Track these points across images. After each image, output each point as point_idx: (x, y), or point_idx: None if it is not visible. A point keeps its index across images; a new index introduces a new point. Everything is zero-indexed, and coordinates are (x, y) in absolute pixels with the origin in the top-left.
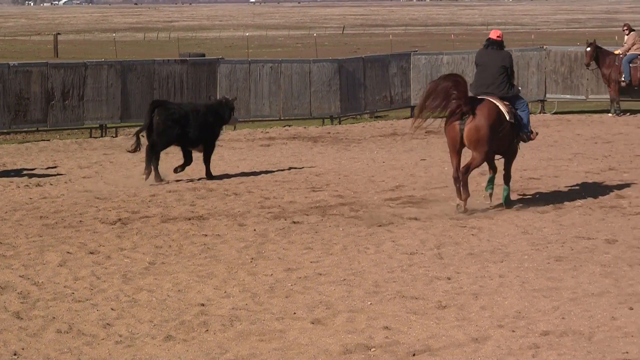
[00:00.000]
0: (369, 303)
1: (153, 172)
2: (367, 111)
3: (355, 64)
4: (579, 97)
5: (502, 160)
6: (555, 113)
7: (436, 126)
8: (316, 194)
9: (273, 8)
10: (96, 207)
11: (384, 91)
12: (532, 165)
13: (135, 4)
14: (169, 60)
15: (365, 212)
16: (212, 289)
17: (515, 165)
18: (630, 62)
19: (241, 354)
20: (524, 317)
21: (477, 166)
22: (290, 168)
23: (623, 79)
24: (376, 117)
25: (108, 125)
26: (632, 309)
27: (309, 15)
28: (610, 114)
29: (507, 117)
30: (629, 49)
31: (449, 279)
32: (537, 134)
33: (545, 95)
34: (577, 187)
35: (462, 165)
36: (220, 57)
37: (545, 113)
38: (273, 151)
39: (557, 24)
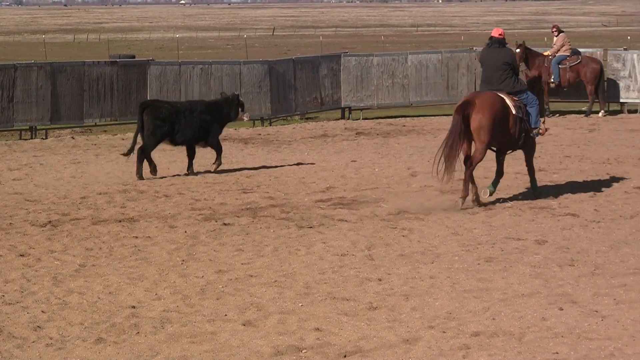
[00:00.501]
0: (300, 304)
1: (149, 167)
2: (298, 112)
3: (285, 66)
4: None
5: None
6: None
7: (367, 127)
8: (247, 196)
9: (203, 9)
10: (26, 209)
11: (314, 92)
12: (463, 166)
13: (65, 5)
14: (99, 61)
15: (296, 214)
16: (143, 291)
17: None
18: (559, 64)
19: (172, 356)
20: (455, 318)
21: (480, 159)
22: (220, 170)
23: (552, 80)
24: (307, 118)
25: (38, 127)
26: (562, 309)
27: (239, 16)
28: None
29: (514, 111)
30: (558, 50)
31: (380, 280)
32: (546, 130)
33: None
34: (507, 188)
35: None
36: (151, 58)
37: None
38: (203, 153)
39: (487, 25)
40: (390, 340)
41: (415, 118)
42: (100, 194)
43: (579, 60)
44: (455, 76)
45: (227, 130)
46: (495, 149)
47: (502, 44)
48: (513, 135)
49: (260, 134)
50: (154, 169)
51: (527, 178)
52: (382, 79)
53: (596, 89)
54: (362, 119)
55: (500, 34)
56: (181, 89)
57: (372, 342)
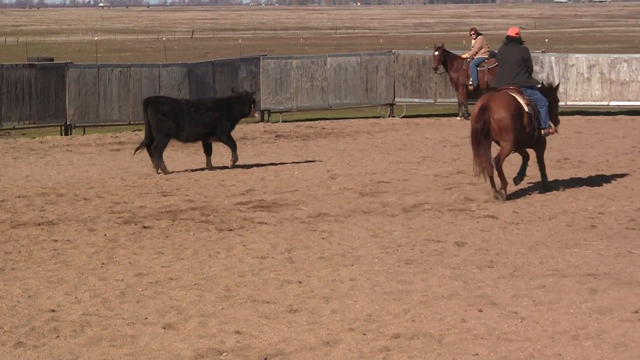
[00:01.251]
0: (221, 307)
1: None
2: None
3: (204, 68)
4: (427, 101)
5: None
6: (404, 117)
7: (286, 130)
8: (167, 199)
9: (121, 12)
10: None
11: None
12: (382, 168)
13: None
14: (17, 64)
15: (216, 217)
16: (62, 295)
17: (365, 168)
18: (477, 66)
19: (92, 359)
20: (375, 320)
21: (507, 154)
22: (140, 173)
23: (471, 83)
24: None
25: None
26: (482, 311)
27: (158, 19)
28: (458, 118)
29: (527, 109)
30: (476, 52)
31: (300, 282)
32: (556, 129)
33: (394, 99)
34: (426, 190)
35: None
36: (69, 61)
37: (394, 117)
38: (123, 156)
39: (405, 28)
40: (310, 343)
41: (334, 121)
42: (19, 197)
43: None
44: (374, 79)
45: None
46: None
47: (519, 42)
48: (529, 133)
49: None
50: (156, 167)
51: (448, 180)
52: (302, 81)
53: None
54: (282, 121)
55: (517, 33)
56: (100, 92)
57: (292, 344)
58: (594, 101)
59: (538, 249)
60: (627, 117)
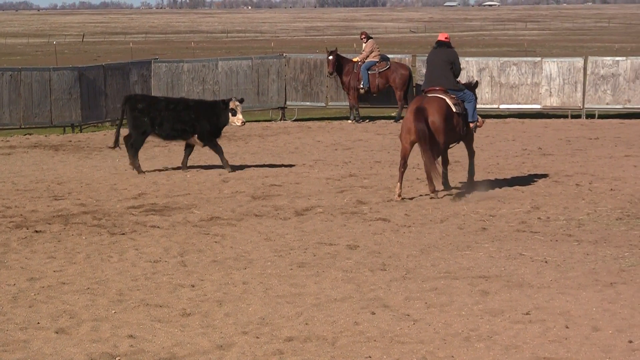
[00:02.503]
0: (113, 312)
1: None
2: (109, 119)
3: (95, 72)
4: (319, 104)
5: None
6: (296, 120)
7: None
8: (58, 203)
9: (11, 15)
10: None
11: None
12: (274, 172)
13: None
14: None
15: (108, 221)
16: None
17: (257, 172)
18: (368, 70)
19: None
20: (268, 324)
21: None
22: (32, 176)
23: (362, 86)
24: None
25: None
26: (374, 313)
27: (48, 23)
28: (349, 121)
29: (454, 109)
30: (367, 56)
31: (193, 286)
32: (483, 121)
33: (285, 103)
34: (318, 194)
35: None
36: None
37: (285, 120)
38: (14, 160)
39: (297, 31)
40: (204, 346)
41: None
42: None
43: (387, 66)
44: (266, 82)
45: (37, 137)
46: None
47: (448, 46)
48: (458, 132)
49: (70, 141)
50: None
51: (340, 183)
52: (193, 85)
53: (405, 95)
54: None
55: (446, 38)
56: None
57: (186, 348)
58: (484, 104)
59: (430, 251)
60: (517, 119)
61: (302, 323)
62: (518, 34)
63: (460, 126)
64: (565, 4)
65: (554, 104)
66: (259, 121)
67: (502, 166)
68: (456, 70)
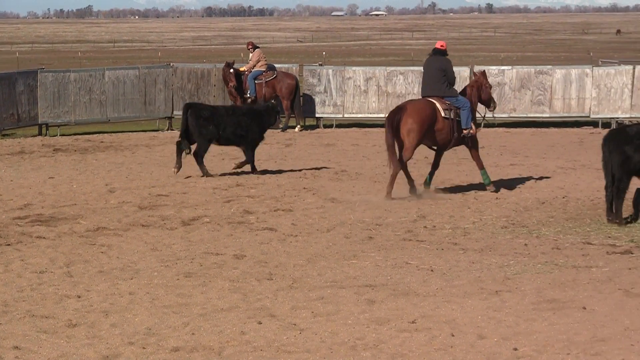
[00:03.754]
0: None
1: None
2: None
3: None
4: None
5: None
6: None
7: (64, 144)
8: None
9: None
10: None
11: (11, 109)
12: (161, 182)
13: None
14: None
15: None
16: None
17: (144, 182)
18: (255, 79)
19: None
20: (155, 334)
21: (409, 157)
22: None
23: (249, 95)
24: (3, 135)
25: None
26: (261, 323)
27: None
28: None
29: (443, 114)
30: (254, 65)
31: (79, 297)
32: (477, 130)
33: (172, 112)
34: (205, 203)
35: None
36: None
37: (173, 130)
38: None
39: (184, 41)
40: (90, 357)
41: (113, 134)
42: None
43: (274, 76)
44: (153, 92)
45: None
46: (434, 147)
47: (442, 54)
48: (445, 136)
49: None
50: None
51: (227, 193)
52: (80, 95)
53: (292, 104)
54: (60, 135)
55: (442, 46)
56: None
57: (71, 359)
58: (370, 113)
59: (316, 260)
60: None
61: (189, 333)
62: (405, 44)
63: (448, 131)
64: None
65: None
66: (146, 131)
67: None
68: (449, 77)
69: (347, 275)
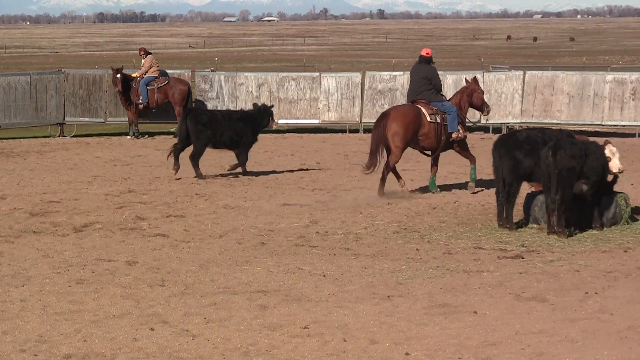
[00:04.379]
0: None
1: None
2: None
3: None
4: (98, 120)
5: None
6: (75, 136)
7: None
8: None
9: None
10: None
11: None
12: (53, 188)
13: None
14: None
15: None
16: None
17: (35, 188)
18: (147, 85)
19: None
20: (46, 341)
21: (396, 161)
22: None
23: (140, 101)
24: None
25: None
26: (153, 329)
27: None
28: (129, 137)
29: (429, 119)
30: (146, 71)
31: None
32: (465, 134)
33: (64, 119)
34: (97, 210)
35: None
36: None
37: (64, 136)
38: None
39: (75, 47)
40: None
41: (4, 140)
42: None
43: (166, 82)
44: (44, 98)
45: None
46: (426, 152)
47: (428, 62)
48: (432, 139)
49: None
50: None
51: (119, 199)
52: None
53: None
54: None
55: (427, 53)
56: None
57: None
58: None
59: (209, 266)
60: (296, 134)
61: (81, 340)
62: (297, 49)
63: (435, 135)
64: (343, 20)
65: (333, 119)
66: (37, 137)
67: (280, 181)
68: (435, 85)
69: (239, 281)
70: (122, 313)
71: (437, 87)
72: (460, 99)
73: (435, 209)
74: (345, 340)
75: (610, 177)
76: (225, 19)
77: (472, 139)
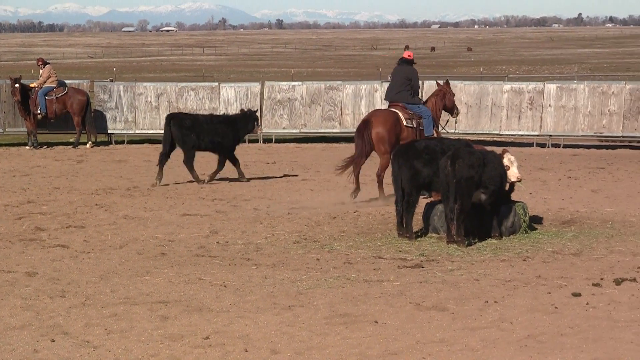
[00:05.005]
0: None
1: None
2: None
3: None
4: None
5: None
6: None
7: None
8: None
9: None
10: None
11: None
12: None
13: None
14: None
15: None
16: None
17: None
18: (45, 95)
19: None
20: None
21: (386, 166)
22: None
23: (39, 112)
24: None
25: None
26: (54, 341)
27: None
28: (27, 147)
29: (405, 123)
30: (45, 82)
31: None
32: (440, 135)
33: None
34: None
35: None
36: None
37: None
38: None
39: None
40: None
41: None
42: None
43: (65, 92)
44: None
45: None
46: None
47: (409, 64)
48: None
49: None
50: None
51: (18, 210)
52: None
53: (83, 120)
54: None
55: (409, 55)
56: None
57: None
58: (162, 130)
59: (109, 277)
60: None
61: None
62: (196, 59)
63: (410, 138)
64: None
65: None
66: None
67: (180, 191)
68: (414, 86)
69: (140, 291)
70: (22, 324)
71: (415, 89)
72: (435, 103)
73: (335, 219)
74: (246, 351)
75: (507, 186)
76: (123, 29)
77: None
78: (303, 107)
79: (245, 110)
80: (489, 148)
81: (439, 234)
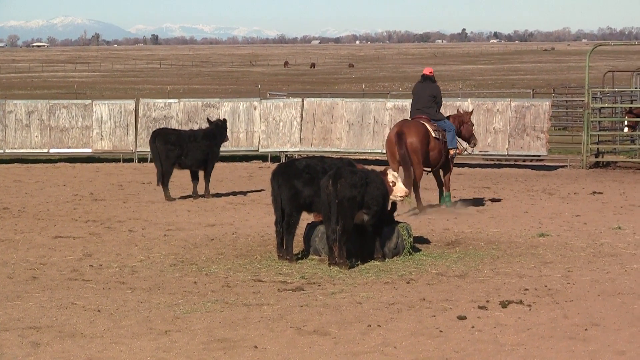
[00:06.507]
0: None
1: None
2: None
3: None
4: None
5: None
6: None
7: None
8: None
9: None
10: None
11: None
12: None
13: None
14: None
15: None
16: None
17: None
18: None
19: None
20: None
21: (420, 176)
22: None
23: None
24: None
25: None
26: None
27: None
28: None
29: (433, 135)
30: None
31: None
32: (464, 149)
33: None
34: None
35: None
36: None
37: None
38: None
39: None
40: None
41: None
42: None
43: None
44: None
45: None
46: (426, 169)
47: (432, 80)
48: (436, 155)
49: None
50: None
51: None
52: None
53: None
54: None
55: (430, 72)
56: None
57: None
58: (33, 148)
59: None
60: (68, 164)
61: None
62: (68, 76)
63: (438, 150)
64: (116, 45)
65: (106, 148)
66: None
67: (52, 212)
68: (438, 103)
69: (10, 317)
70: None
71: (439, 105)
72: (453, 121)
73: (213, 241)
74: None
75: (390, 205)
76: None
77: (250, 168)
78: (180, 125)
79: (217, 120)
80: (370, 167)
81: (320, 255)
